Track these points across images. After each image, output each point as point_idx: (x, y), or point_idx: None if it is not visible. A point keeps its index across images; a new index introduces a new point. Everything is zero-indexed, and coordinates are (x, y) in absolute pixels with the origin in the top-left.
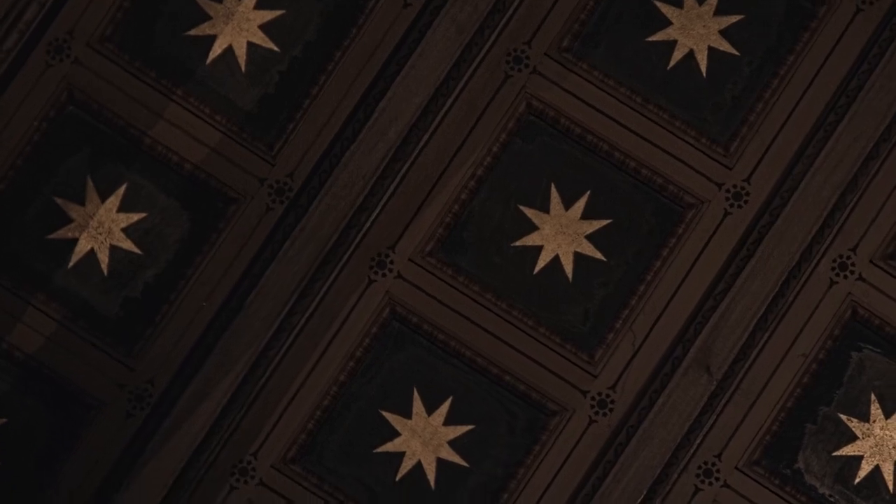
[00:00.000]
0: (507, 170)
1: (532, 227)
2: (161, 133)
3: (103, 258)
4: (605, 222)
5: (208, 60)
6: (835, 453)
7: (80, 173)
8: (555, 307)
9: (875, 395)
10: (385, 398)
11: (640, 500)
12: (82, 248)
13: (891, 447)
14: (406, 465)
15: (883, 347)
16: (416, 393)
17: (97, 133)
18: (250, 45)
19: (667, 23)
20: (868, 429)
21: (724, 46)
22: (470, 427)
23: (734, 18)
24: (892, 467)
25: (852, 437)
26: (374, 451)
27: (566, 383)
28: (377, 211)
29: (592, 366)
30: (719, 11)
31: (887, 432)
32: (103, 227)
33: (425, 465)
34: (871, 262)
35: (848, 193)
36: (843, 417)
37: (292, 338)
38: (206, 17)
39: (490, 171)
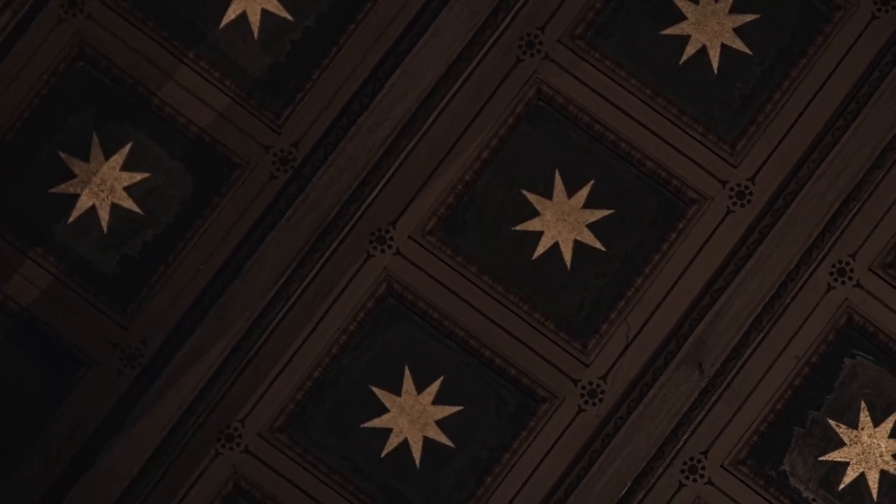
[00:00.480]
0: (512, 154)
1: (534, 213)
2: (169, 94)
3: (104, 215)
4: (606, 212)
5: (221, 25)
6: (821, 458)
7: (86, 129)
8: (551, 294)
9: (865, 403)
10: (376, 374)
11: (623, 493)
12: (83, 204)
13: (877, 455)
14: (392, 442)
15: (876, 356)
16: (407, 370)
17: (106, 90)
18: (264, 12)
19: (682, 17)
20: (856, 436)
21: (738, 45)
22: (459, 408)
23: (749, 17)
24: (877, 475)
25: (839, 443)
26: (362, 425)
27: (557, 370)
28: (380, 186)
29: (585, 355)
30: (735, 9)
31: (875, 440)
32: (106, 185)
33: (411, 443)
34: (869, 269)
35: (851, 200)
36: (832, 423)
37: (287, 307)
38: None
39: (496, 154)
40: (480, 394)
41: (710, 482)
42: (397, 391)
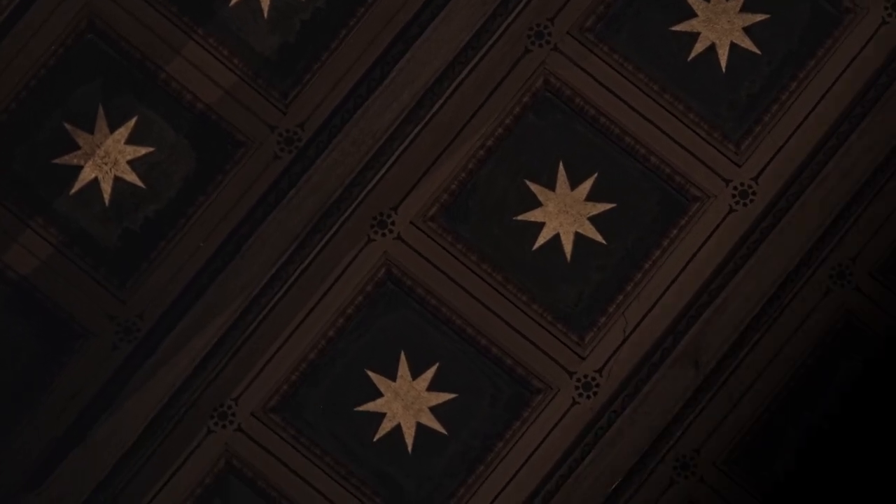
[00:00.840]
0: (517, 143)
1: (536, 203)
2: (177, 70)
3: (106, 188)
4: (609, 206)
5: (231, 2)
6: None
7: (92, 101)
8: (550, 285)
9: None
10: (371, 358)
11: (614, 487)
12: (86, 175)
13: None
14: (385, 427)
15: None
16: (403, 356)
17: (113, 63)
18: None
19: (692, 14)
20: None
21: (747, 44)
22: (453, 395)
23: (759, 17)
24: None
25: None
26: (355, 409)
27: (553, 362)
28: (383, 171)
29: (581, 347)
30: (745, 9)
31: None
32: (109, 158)
33: (404, 429)
34: (869, 274)
35: (854, 203)
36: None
37: (286, 287)
38: None
39: (500, 143)
40: (475, 382)
41: (701, 480)
42: (392, 376)
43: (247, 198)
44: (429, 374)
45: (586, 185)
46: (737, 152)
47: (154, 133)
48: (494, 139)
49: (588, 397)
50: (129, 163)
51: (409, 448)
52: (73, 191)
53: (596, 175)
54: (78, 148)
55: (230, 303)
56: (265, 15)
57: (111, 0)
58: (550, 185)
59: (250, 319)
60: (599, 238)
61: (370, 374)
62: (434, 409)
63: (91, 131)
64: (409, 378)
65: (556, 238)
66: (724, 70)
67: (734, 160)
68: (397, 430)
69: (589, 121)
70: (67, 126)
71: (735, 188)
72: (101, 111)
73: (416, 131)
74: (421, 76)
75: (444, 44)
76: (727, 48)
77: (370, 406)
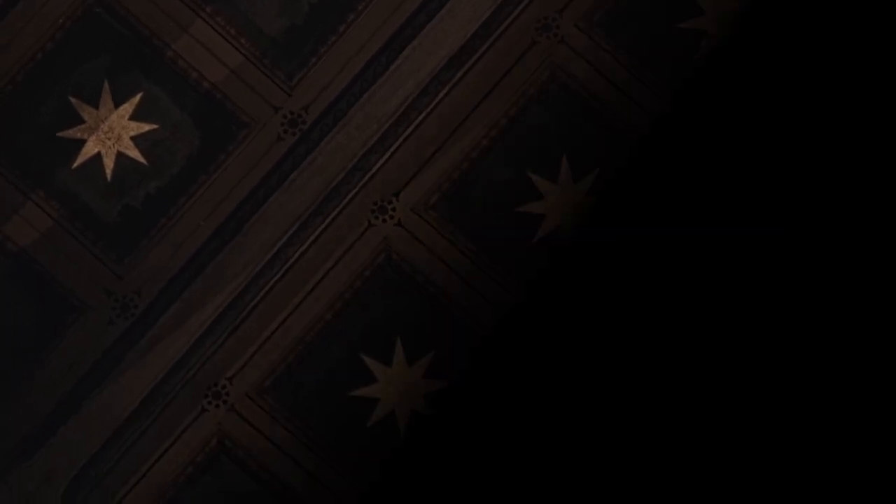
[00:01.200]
0: (521, 135)
1: (537, 196)
2: (184, 48)
3: (108, 163)
4: None
5: None
6: None
7: (98, 76)
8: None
9: None
10: (367, 343)
11: None
12: (89, 150)
13: None
14: (379, 413)
15: None
16: (399, 342)
17: (121, 39)
18: None
19: (699, 12)
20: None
21: None
22: (448, 384)
23: None
24: None
25: None
26: (350, 393)
27: None
28: (386, 156)
29: None
30: None
31: None
32: (113, 133)
33: (398, 416)
34: None
35: None
36: None
37: (285, 269)
38: None
39: (504, 134)
40: (471, 373)
41: None
42: (388, 362)
43: (249, 178)
44: (424, 361)
45: (589, 179)
46: None
47: (159, 110)
48: (498, 130)
49: None
50: (133, 139)
51: (402, 435)
52: (75, 165)
53: (598, 170)
54: (82, 122)
55: (229, 282)
56: None
57: None
58: (553, 177)
59: (248, 300)
60: None
61: (366, 359)
62: (429, 397)
63: (96, 106)
64: (405, 365)
65: (557, 231)
66: None
67: None
68: (391, 416)
69: (593, 114)
70: (72, 100)
71: None
72: (106, 86)
73: (420, 118)
74: (427, 64)
75: (451, 32)
76: None
77: (364, 391)
